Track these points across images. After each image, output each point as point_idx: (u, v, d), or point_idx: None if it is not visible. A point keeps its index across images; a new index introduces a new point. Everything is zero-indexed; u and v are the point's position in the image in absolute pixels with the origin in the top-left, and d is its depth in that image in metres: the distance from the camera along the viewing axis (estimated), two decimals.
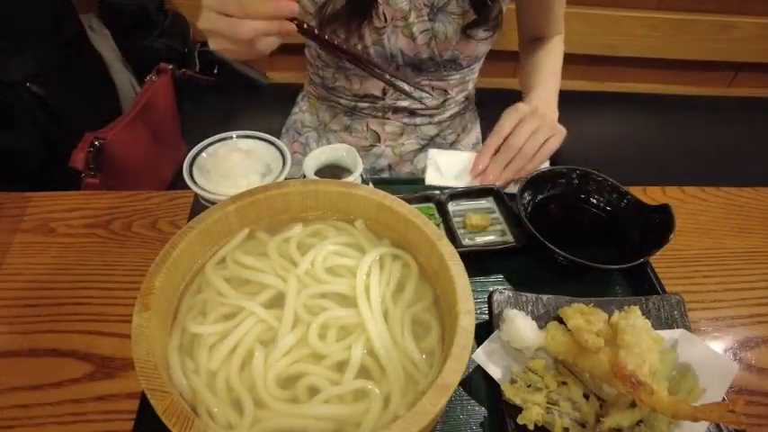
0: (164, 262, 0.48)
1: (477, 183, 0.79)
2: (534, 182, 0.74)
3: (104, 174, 1.01)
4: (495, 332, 0.58)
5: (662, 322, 0.61)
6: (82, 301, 0.64)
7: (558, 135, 0.80)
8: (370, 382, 0.47)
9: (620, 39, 1.67)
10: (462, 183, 0.80)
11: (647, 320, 0.53)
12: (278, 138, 0.75)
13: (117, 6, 1.42)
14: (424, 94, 0.90)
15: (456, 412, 0.56)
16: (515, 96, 0.97)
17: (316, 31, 0.62)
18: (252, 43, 0.56)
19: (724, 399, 0.54)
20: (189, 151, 0.71)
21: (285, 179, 0.68)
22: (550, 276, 0.70)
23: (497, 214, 0.76)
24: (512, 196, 0.75)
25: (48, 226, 0.73)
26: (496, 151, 0.79)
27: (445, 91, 0.98)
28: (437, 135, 1.04)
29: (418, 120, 1.00)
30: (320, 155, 0.71)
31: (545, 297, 0.61)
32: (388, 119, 0.99)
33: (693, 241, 0.79)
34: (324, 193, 0.58)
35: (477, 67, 1.01)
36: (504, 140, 0.78)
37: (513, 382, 0.54)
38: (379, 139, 1.02)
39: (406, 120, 1.00)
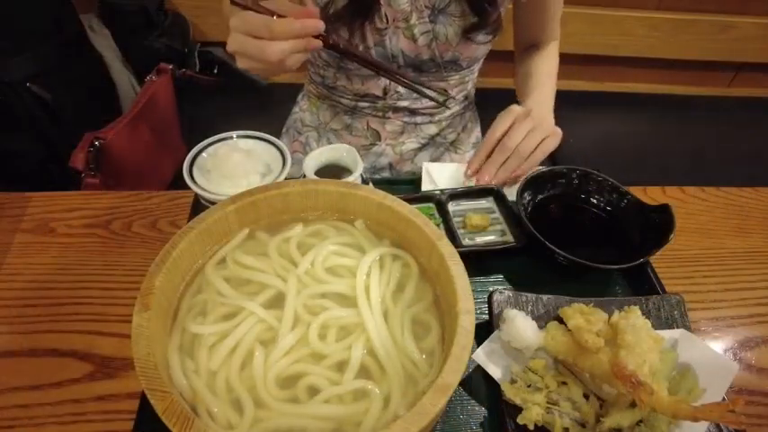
0: (164, 262, 0.48)
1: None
2: (534, 182, 0.74)
3: (104, 174, 1.01)
4: (495, 332, 0.58)
5: (662, 322, 0.61)
6: (82, 301, 0.64)
7: (554, 136, 0.80)
8: (370, 382, 0.47)
9: (620, 39, 1.67)
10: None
11: (647, 320, 0.53)
12: (278, 138, 0.75)
13: (117, 6, 1.42)
14: (442, 97, 0.91)
15: (456, 412, 0.56)
16: (515, 96, 0.97)
17: (341, 45, 0.64)
18: (281, 63, 0.58)
19: (724, 399, 0.54)
20: (189, 151, 0.71)
21: (285, 179, 0.68)
22: (550, 276, 0.70)
23: (497, 214, 0.76)
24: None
25: (48, 226, 0.73)
26: (490, 156, 0.80)
27: (445, 90, 0.98)
28: (437, 134, 1.04)
29: (418, 119, 1.01)
30: (320, 155, 0.71)
31: (545, 297, 0.61)
32: (388, 118, 1.00)
33: (693, 241, 0.79)
34: (324, 193, 0.58)
35: (477, 66, 1.01)
36: (499, 141, 0.79)
37: (513, 382, 0.54)
38: (379, 138, 1.02)
39: (406, 119, 1.00)
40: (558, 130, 0.81)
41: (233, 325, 0.49)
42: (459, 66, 0.93)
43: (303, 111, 1.10)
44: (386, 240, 0.57)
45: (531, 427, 0.51)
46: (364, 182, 0.72)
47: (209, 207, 0.54)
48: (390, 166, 1.05)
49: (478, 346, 0.57)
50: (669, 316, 0.62)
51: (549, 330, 0.56)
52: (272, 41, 0.56)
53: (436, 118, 1.02)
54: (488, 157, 0.80)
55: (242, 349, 0.48)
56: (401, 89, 0.94)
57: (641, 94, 1.81)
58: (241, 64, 0.62)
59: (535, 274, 0.71)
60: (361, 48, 0.87)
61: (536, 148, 0.78)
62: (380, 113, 0.99)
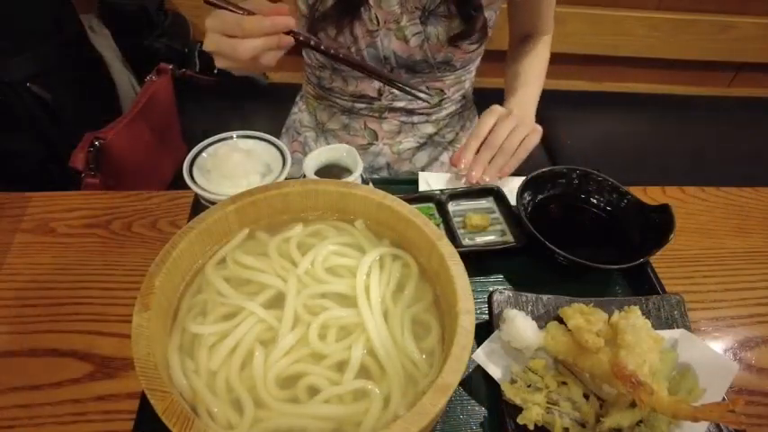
0: (164, 262, 0.48)
1: None
2: (534, 182, 0.74)
3: (104, 174, 1.01)
4: (495, 332, 0.58)
5: (662, 322, 0.61)
6: (82, 301, 0.64)
7: (534, 133, 0.81)
8: (370, 382, 0.47)
9: (620, 39, 1.67)
10: None
11: (647, 320, 0.53)
12: (278, 138, 0.75)
13: (117, 6, 1.42)
14: (422, 94, 0.90)
15: (456, 412, 0.56)
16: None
17: (312, 42, 0.64)
18: (255, 60, 0.58)
19: (724, 399, 0.54)
20: (189, 151, 0.71)
21: (285, 179, 0.68)
22: (550, 276, 0.70)
23: (497, 214, 0.76)
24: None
25: (48, 226, 0.73)
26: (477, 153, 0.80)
27: (441, 90, 0.98)
28: (435, 133, 1.04)
29: (415, 118, 1.01)
30: (320, 155, 0.71)
31: (545, 297, 0.61)
32: (385, 118, 1.00)
33: (693, 241, 0.79)
34: (324, 193, 0.58)
35: (474, 66, 1.01)
36: (485, 140, 0.80)
37: (513, 382, 0.54)
38: (376, 138, 1.02)
39: (403, 118, 1.00)
40: (539, 128, 0.83)
41: (233, 325, 0.49)
42: (452, 66, 0.93)
43: (302, 111, 1.10)
44: (386, 240, 0.57)
45: (531, 427, 0.51)
46: (364, 182, 0.72)
47: (209, 207, 0.54)
48: (388, 165, 1.05)
49: (478, 346, 0.57)
50: (669, 316, 0.62)
51: (549, 330, 0.56)
52: (243, 39, 0.57)
53: (433, 117, 1.02)
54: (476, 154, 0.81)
55: (242, 349, 0.48)
56: (396, 90, 0.94)
57: (641, 94, 1.81)
58: (218, 63, 0.62)
59: (535, 274, 0.71)
60: (353, 49, 0.87)
61: (519, 144, 0.80)
62: (377, 114, 0.99)
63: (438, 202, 0.75)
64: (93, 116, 1.19)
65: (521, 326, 0.55)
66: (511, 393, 0.53)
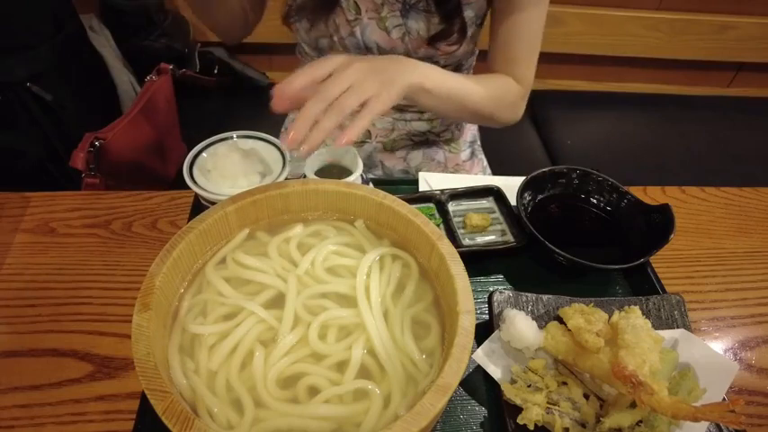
0: (164, 262, 0.48)
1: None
2: (534, 182, 0.74)
3: (104, 174, 1.01)
4: (495, 332, 0.58)
5: (662, 322, 0.61)
6: (82, 301, 0.64)
7: (384, 96, 0.60)
8: (370, 382, 0.47)
9: (620, 39, 1.67)
10: None
11: (647, 320, 0.53)
12: (278, 138, 0.75)
13: (117, 6, 1.42)
14: None
15: (456, 412, 0.56)
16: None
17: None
18: None
19: (724, 399, 0.54)
20: (189, 151, 0.71)
21: (285, 179, 0.68)
22: (550, 276, 0.70)
23: (497, 214, 0.76)
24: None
25: (48, 226, 0.73)
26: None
27: None
28: (429, 131, 1.04)
29: (408, 116, 1.00)
30: (320, 155, 0.71)
31: (545, 297, 0.61)
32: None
33: (693, 241, 0.79)
34: (324, 193, 0.58)
35: (469, 64, 0.99)
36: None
37: (513, 382, 0.54)
38: (369, 136, 1.02)
39: (395, 116, 1.00)
40: (396, 91, 0.62)
41: (233, 325, 0.49)
42: (436, 63, 0.90)
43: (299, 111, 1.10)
44: (386, 240, 0.57)
45: (531, 427, 0.51)
46: (364, 182, 0.72)
47: (209, 207, 0.54)
48: (382, 163, 1.05)
49: (478, 346, 0.57)
50: (669, 316, 0.62)
51: (549, 330, 0.56)
52: None
53: (425, 115, 1.01)
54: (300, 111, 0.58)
55: (242, 349, 0.48)
56: None
57: (641, 94, 1.81)
58: None
59: (535, 274, 0.71)
60: (335, 38, 0.86)
61: (363, 105, 0.59)
62: None
63: (438, 202, 0.75)
64: (93, 116, 1.20)
65: (521, 326, 0.55)
66: (511, 393, 0.53)
